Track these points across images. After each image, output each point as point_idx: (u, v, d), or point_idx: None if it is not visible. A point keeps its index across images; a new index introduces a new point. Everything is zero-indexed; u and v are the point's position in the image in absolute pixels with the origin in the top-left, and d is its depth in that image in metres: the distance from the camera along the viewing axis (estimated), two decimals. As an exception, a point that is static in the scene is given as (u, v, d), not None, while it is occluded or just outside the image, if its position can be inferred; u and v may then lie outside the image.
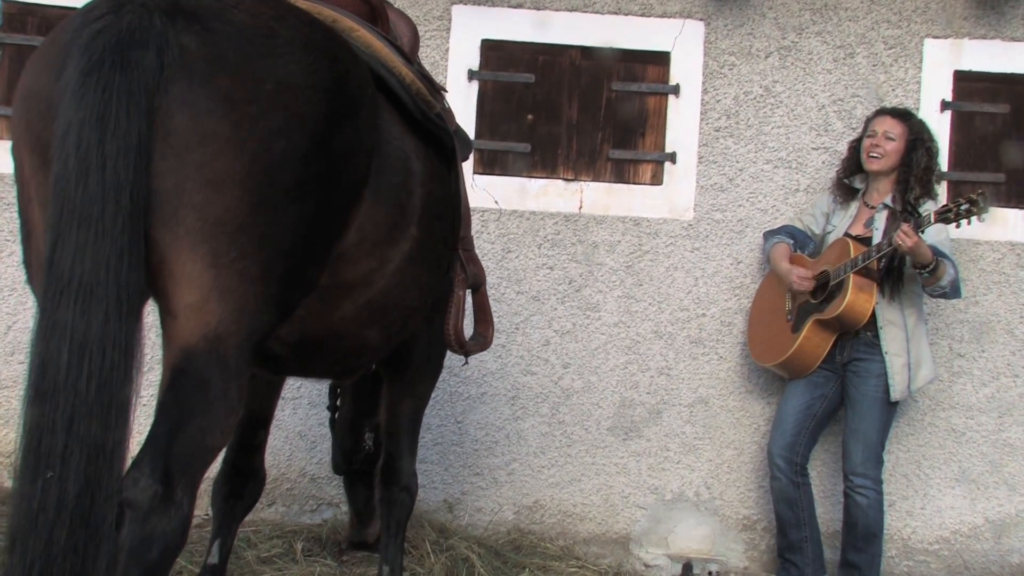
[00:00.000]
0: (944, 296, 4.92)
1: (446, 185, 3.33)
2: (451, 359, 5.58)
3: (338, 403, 4.65)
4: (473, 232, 5.54)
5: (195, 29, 2.34)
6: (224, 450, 3.73)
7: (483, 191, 5.65)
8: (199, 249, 2.31)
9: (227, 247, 2.34)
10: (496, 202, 5.65)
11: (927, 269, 4.69)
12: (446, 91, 3.62)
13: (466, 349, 3.57)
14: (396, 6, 3.71)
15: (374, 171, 2.82)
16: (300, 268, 2.60)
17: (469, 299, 3.89)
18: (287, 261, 2.51)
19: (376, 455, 4.03)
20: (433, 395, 5.56)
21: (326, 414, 5.62)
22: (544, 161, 5.64)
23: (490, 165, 5.62)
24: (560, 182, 5.63)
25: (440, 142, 3.31)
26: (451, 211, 3.38)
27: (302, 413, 5.67)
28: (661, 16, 5.64)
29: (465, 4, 5.66)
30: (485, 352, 5.57)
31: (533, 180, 5.67)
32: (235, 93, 2.35)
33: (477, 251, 5.43)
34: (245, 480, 3.75)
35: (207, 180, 2.31)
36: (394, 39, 3.38)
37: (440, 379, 5.56)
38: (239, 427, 3.74)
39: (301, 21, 2.64)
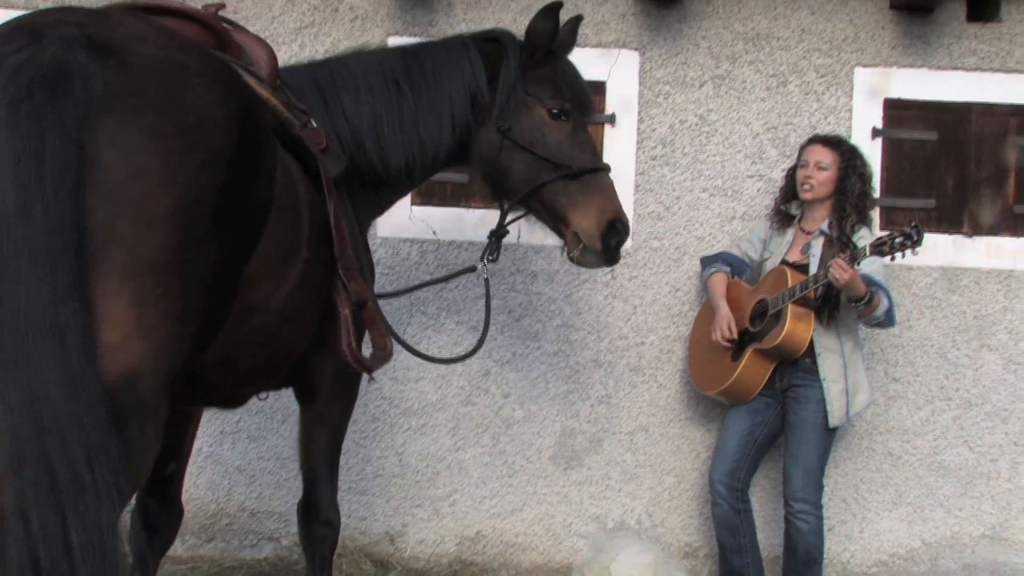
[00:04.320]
0: (880, 325, 4.98)
1: (323, 206, 3.32)
2: (394, 390, 5.59)
3: None
4: (412, 262, 5.56)
5: (113, 63, 2.34)
6: None
7: (421, 222, 5.64)
8: (125, 287, 2.30)
9: (153, 285, 2.34)
10: (434, 233, 5.65)
11: (862, 301, 4.74)
12: (307, 112, 3.59)
13: (366, 366, 3.50)
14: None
15: (275, 194, 2.84)
16: (218, 300, 2.61)
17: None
18: (207, 295, 2.52)
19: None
20: (373, 427, 5.59)
21: (266, 448, 5.60)
22: (482, 192, 5.63)
23: (428, 196, 5.62)
24: (498, 212, 5.64)
25: (311, 163, 3.31)
26: (329, 232, 3.35)
27: (241, 447, 5.62)
28: (596, 46, 5.67)
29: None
30: (426, 383, 5.61)
31: (471, 210, 5.67)
32: (162, 128, 2.36)
33: (417, 282, 5.46)
34: (158, 513, 3.69)
35: (138, 217, 2.31)
36: (247, 64, 3.37)
37: (380, 410, 5.61)
38: None
39: (203, 51, 2.67)
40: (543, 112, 4.10)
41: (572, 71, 4.27)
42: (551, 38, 4.15)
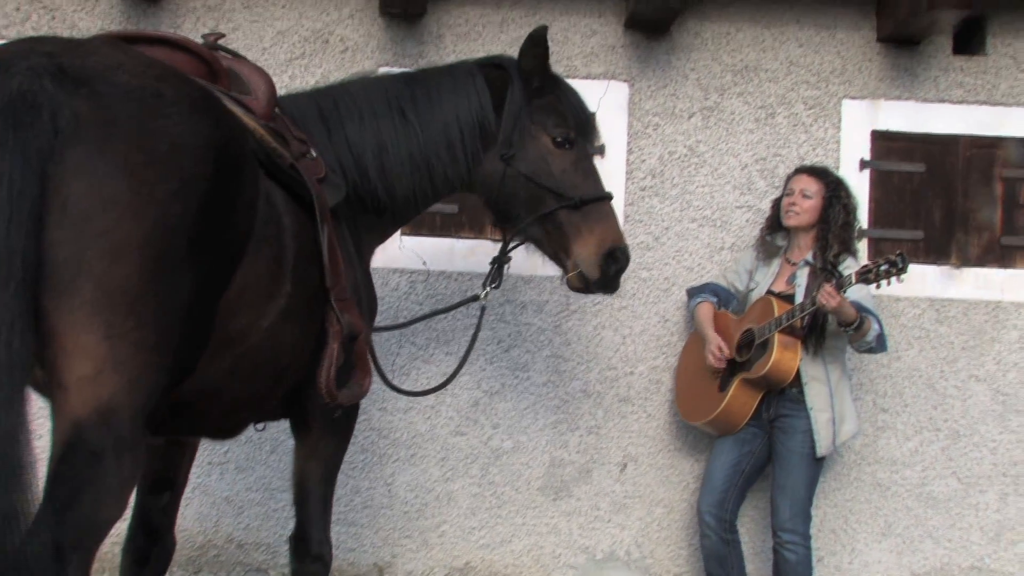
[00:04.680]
0: (871, 351, 4.99)
1: (314, 238, 3.29)
2: (383, 421, 5.58)
3: None
4: (401, 293, 5.56)
5: (84, 93, 2.32)
6: (131, 515, 3.69)
7: (411, 252, 5.65)
8: (95, 320, 2.29)
9: (124, 317, 2.32)
10: (424, 263, 5.66)
11: (852, 327, 4.76)
12: (306, 142, 3.58)
13: (338, 400, 3.45)
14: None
15: (256, 225, 2.82)
16: (194, 330, 2.58)
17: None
18: (182, 326, 2.49)
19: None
20: (362, 457, 5.58)
21: (254, 478, 5.58)
22: (472, 222, 5.66)
23: (417, 226, 5.63)
24: (488, 242, 5.64)
25: (304, 194, 3.29)
26: (321, 264, 3.32)
27: (229, 478, 5.60)
28: (585, 78, 5.69)
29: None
30: (415, 413, 5.61)
31: (461, 240, 5.68)
32: (132, 157, 2.34)
33: (404, 313, 5.46)
34: (150, 544, 3.67)
35: (108, 248, 2.29)
36: (241, 93, 3.38)
37: (369, 441, 5.60)
38: (142, 490, 3.69)
39: (181, 80, 2.65)
40: (547, 140, 4.12)
41: (576, 99, 4.29)
42: (543, 62, 4.16)
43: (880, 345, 4.95)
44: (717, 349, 5.14)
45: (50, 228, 2.24)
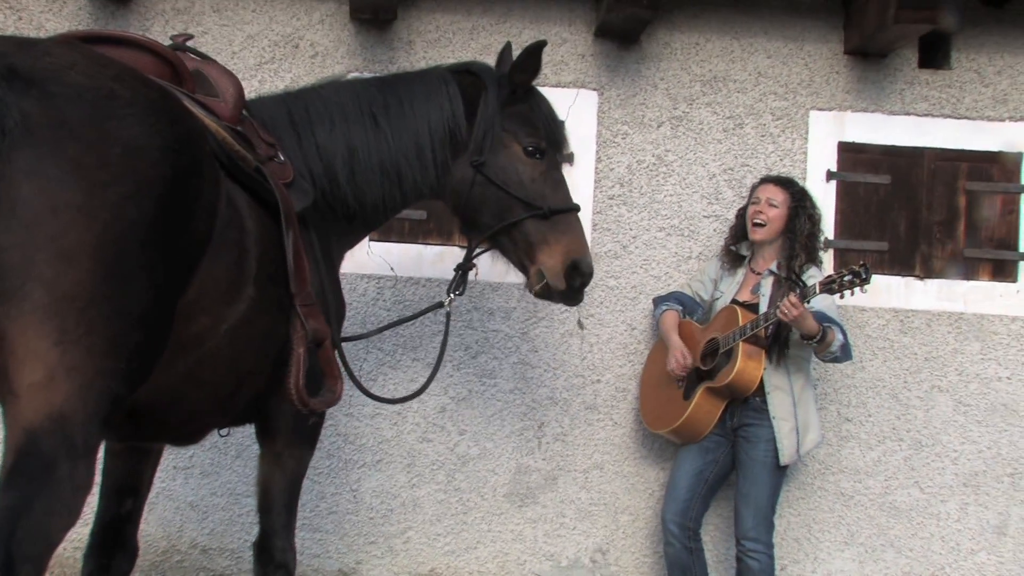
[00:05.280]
0: (836, 360, 5.02)
1: (279, 243, 3.27)
2: (350, 427, 5.57)
3: None
4: (369, 299, 5.56)
5: (34, 93, 2.28)
6: (93, 521, 3.66)
7: (379, 258, 5.64)
8: (46, 325, 2.25)
9: (75, 322, 2.28)
10: (392, 269, 5.66)
11: (815, 339, 4.78)
12: (275, 145, 3.56)
13: (310, 407, 3.42)
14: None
15: (216, 228, 2.79)
16: (150, 335, 2.54)
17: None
18: (137, 330, 2.46)
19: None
20: (328, 463, 5.57)
21: (219, 484, 5.55)
22: (440, 228, 5.66)
23: (386, 232, 5.62)
24: (456, 249, 5.63)
25: (269, 198, 3.27)
26: (286, 269, 3.30)
27: (193, 483, 5.57)
28: (555, 86, 5.70)
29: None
30: (381, 419, 5.60)
31: (429, 247, 5.68)
32: (84, 159, 2.30)
33: (372, 318, 5.46)
34: (112, 552, 3.63)
35: (58, 253, 2.25)
36: (208, 95, 3.35)
37: (336, 447, 5.59)
38: (105, 496, 3.67)
39: (138, 80, 2.60)
40: (518, 149, 4.13)
41: (548, 108, 4.31)
42: (534, 75, 4.18)
43: (845, 354, 4.98)
44: (680, 356, 5.16)
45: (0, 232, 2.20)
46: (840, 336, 4.88)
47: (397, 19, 5.65)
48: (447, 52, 5.65)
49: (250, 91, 5.15)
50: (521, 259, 4.24)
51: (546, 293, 4.25)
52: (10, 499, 2.24)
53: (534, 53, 4.12)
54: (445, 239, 5.66)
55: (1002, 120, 5.87)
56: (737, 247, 5.33)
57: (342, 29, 5.69)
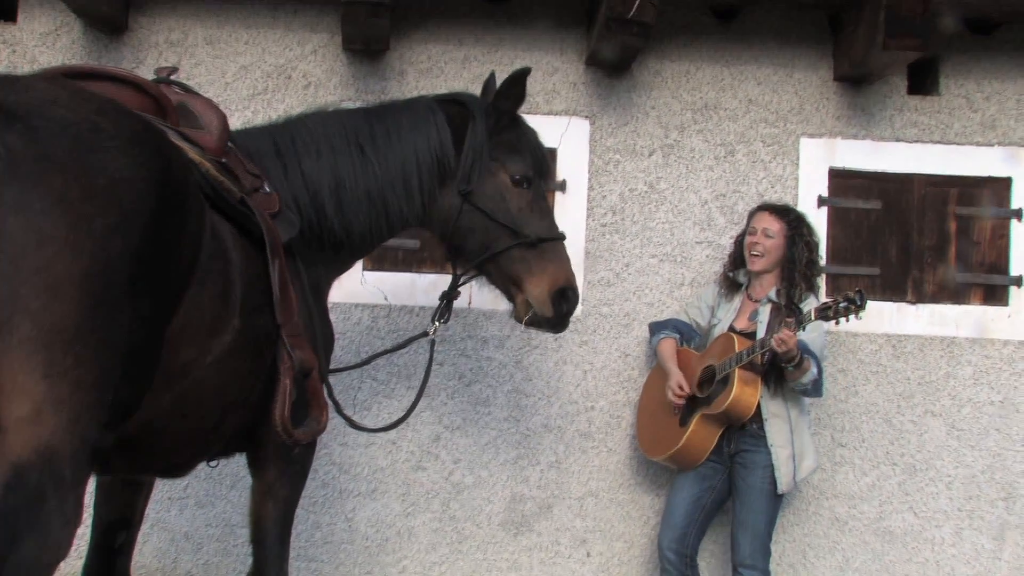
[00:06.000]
0: (806, 393, 5.01)
1: (265, 273, 3.28)
2: (344, 456, 5.56)
3: None
4: (363, 327, 5.56)
5: (18, 128, 2.29)
6: (86, 554, 3.66)
7: (372, 286, 5.66)
8: (33, 359, 2.24)
9: (63, 355, 2.28)
10: (386, 297, 5.67)
11: (792, 362, 4.80)
12: (260, 177, 3.56)
13: (294, 438, 3.41)
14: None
15: (201, 259, 2.80)
16: (137, 367, 2.55)
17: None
18: (124, 363, 2.46)
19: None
20: (323, 492, 5.56)
21: (214, 514, 5.54)
22: (433, 257, 5.68)
23: (379, 261, 5.64)
24: (449, 277, 5.65)
25: (254, 230, 3.28)
26: (272, 300, 3.30)
27: (188, 514, 5.56)
28: (547, 114, 5.75)
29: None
30: (376, 448, 5.60)
31: (422, 275, 5.70)
32: (69, 192, 2.30)
33: (366, 347, 5.46)
34: None
35: (45, 285, 2.25)
36: (193, 128, 3.37)
37: (330, 476, 5.58)
38: (98, 529, 3.67)
39: (121, 113, 2.61)
40: (505, 178, 4.14)
41: (534, 138, 4.32)
42: (519, 103, 4.21)
43: (816, 390, 4.98)
44: (677, 386, 5.17)
45: None
46: (814, 370, 4.87)
47: (389, 49, 5.69)
48: (439, 82, 5.68)
49: (243, 121, 5.22)
50: (508, 287, 4.27)
51: (533, 321, 4.28)
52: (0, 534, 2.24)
53: (517, 80, 4.16)
54: (438, 268, 5.67)
55: (991, 145, 5.91)
56: (735, 274, 5.34)
57: (335, 60, 5.72)
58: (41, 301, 2.24)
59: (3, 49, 5.55)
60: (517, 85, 4.17)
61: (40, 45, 5.57)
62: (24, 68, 5.44)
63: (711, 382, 5.08)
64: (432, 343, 4.41)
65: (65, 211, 2.28)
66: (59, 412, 2.29)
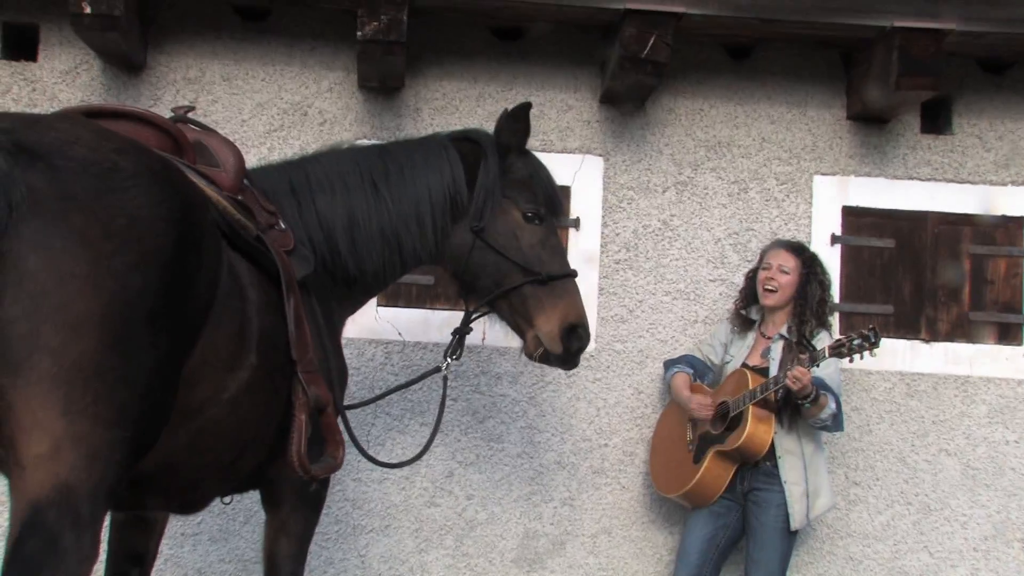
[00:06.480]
0: (826, 429, 5.01)
1: (280, 310, 3.29)
2: (358, 491, 5.57)
3: None
4: (377, 364, 5.58)
5: (40, 167, 2.32)
6: None
7: (386, 323, 5.67)
8: (52, 395, 2.26)
9: (82, 392, 2.30)
10: (399, 334, 5.68)
11: (808, 399, 4.79)
12: (275, 214, 3.60)
13: (311, 474, 3.41)
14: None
15: (218, 296, 2.82)
16: (155, 404, 2.56)
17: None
18: (142, 400, 2.47)
19: None
20: (336, 528, 5.56)
21: (227, 550, 5.54)
22: (447, 293, 5.68)
23: (393, 297, 5.66)
24: (463, 314, 5.67)
25: (270, 266, 3.30)
26: (287, 336, 3.32)
27: (202, 549, 5.56)
28: (561, 152, 5.78)
29: (369, 139, 5.74)
30: (389, 484, 5.60)
31: (436, 312, 5.71)
32: (89, 230, 2.33)
33: (380, 383, 5.47)
34: None
35: (66, 323, 2.27)
36: (208, 165, 3.40)
37: (343, 512, 5.58)
38: (112, 566, 3.69)
39: (140, 152, 2.64)
40: (517, 215, 4.17)
41: (546, 174, 4.35)
42: (523, 137, 4.24)
43: (836, 425, 4.98)
44: (699, 405, 5.15)
45: (6, 304, 2.22)
46: (833, 405, 4.88)
47: (404, 87, 5.73)
48: (454, 119, 5.72)
49: (259, 158, 5.26)
50: (519, 324, 4.28)
51: (543, 358, 4.29)
52: (16, 572, 2.25)
53: (518, 115, 4.19)
54: (452, 304, 5.67)
55: (1004, 184, 5.92)
56: (747, 311, 5.35)
57: (350, 97, 5.77)
58: (61, 338, 2.26)
59: (24, 87, 5.61)
60: (519, 119, 4.20)
61: (60, 83, 5.63)
62: (44, 106, 5.49)
63: (725, 419, 5.08)
64: (445, 379, 4.42)
65: (86, 249, 2.31)
66: (78, 449, 2.31)
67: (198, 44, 5.71)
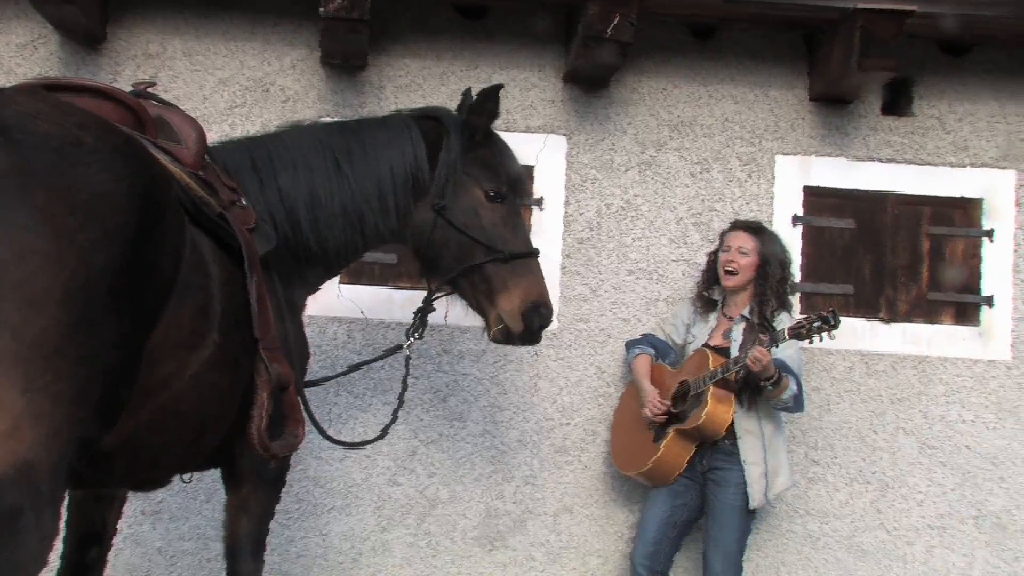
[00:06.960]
0: (787, 410, 5.05)
1: (243, 288, 3.28)
2: (319, 470, 5.56)
3: None
4: (339, 342, 5.56)
5: (0, 142, 2.29)
6: (57, 570, 3.64)
7: (349, 301, 5.66)
8: (12, 373, 2.22)
9: (42, 370, 2.26)
10: (362, 312, 5.67)
11: (771, 381, 4.83)
12: (237, 191, 3.58)
13: (272, 452, 3.40)
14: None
15: (181, 273, 2.80)
16: (116, 381, 2.54)
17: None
18: (104, 377, 2.45)
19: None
20: (298, 507, 5.55)
21: (188, 528, 5.52)
22: (410, 272, 5.67)
23: (356, 275, 5.64)
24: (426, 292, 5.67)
25: (232, 243, 3.29)
26: (250, 314, 3.31)
27: (162, 527, 5.54)
28: (525, 131, 5.78)
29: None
30: (351, 462, 5.60)
31: (399, 290, 5.70)
32: (51, 206, 2.29)
33: (342, 362, 5.46)
34: None
35: (25, 299, 2.23)
36: (170, 141, 3.38)
37: (305, 490, 5.57)
38: (70, 544, 3.66)
39: (103, 127, 2.61)
40: (480, 194, 4.17)
41: (508, 153, 4.34)
42: (492, 119, 4.24)
43: (796, 405, 5.02)
44: (654, 407, 5.18)
45: None
46: (794, 387, 4.91)
47: (368, 65, 5.70)
48: (417, 97, 5.70)
49: (221, 135, 5.22)
50: (480, 303, 4.28)
51: (504, 337, 4.29)
52: None
53: (490, 96, 4.19)
54: (416, 283, 5.65)
55: (963, 166, 5.97)
56: (709, 292, 5.38)
57: (313, 74, 5.73)
58: (21, 315, 2.23)
59: (-20, 60, 5.54)
60: (490, 100, 4.20)
61: (17, 57, 5.56)
62: (0, 80, 5.42)
63: (685, 399, 5.11)
64: (408, 358, 4.42)
65: (47, 225, 2.27)
66: (38, 427, 2.27)
67: (159, 19, 5.66)
